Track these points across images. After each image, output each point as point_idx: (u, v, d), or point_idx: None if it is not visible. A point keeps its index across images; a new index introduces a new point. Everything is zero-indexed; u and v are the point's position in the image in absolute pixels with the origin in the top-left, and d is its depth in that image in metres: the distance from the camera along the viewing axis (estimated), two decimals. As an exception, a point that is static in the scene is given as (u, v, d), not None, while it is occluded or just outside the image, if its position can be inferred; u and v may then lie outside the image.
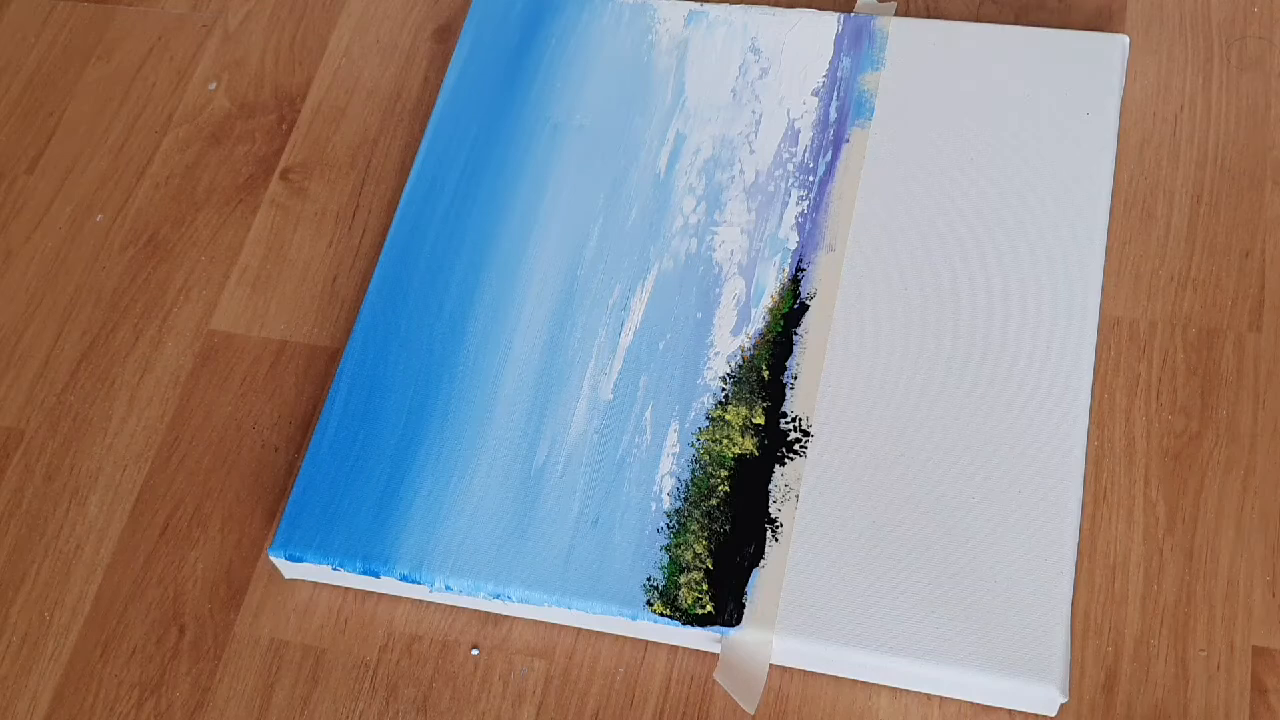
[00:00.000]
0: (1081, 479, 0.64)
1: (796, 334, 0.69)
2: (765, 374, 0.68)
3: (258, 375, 0.75)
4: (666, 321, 0.71)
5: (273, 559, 0.68)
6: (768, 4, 0.81)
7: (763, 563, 0.64)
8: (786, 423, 0.67)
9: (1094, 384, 0.67)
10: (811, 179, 0.74)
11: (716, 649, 0.64)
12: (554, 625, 0.66)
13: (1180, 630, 0.63)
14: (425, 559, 0.66)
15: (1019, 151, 0.73)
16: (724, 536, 0.65)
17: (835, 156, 0.74)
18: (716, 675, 0.62)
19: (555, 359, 0.71)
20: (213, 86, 0.86)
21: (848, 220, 0.72)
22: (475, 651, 0.66)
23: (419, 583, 0.66)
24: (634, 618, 0.64)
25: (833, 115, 0.76)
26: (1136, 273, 0.72)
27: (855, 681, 0.63)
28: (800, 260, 0.71)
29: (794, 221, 0.73)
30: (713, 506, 0.65)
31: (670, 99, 0.78)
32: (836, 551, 0.64)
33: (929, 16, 0.80)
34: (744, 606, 0.63)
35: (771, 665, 0.63)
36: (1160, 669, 0.62)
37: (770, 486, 0.65)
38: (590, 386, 0.70)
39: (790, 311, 0.70)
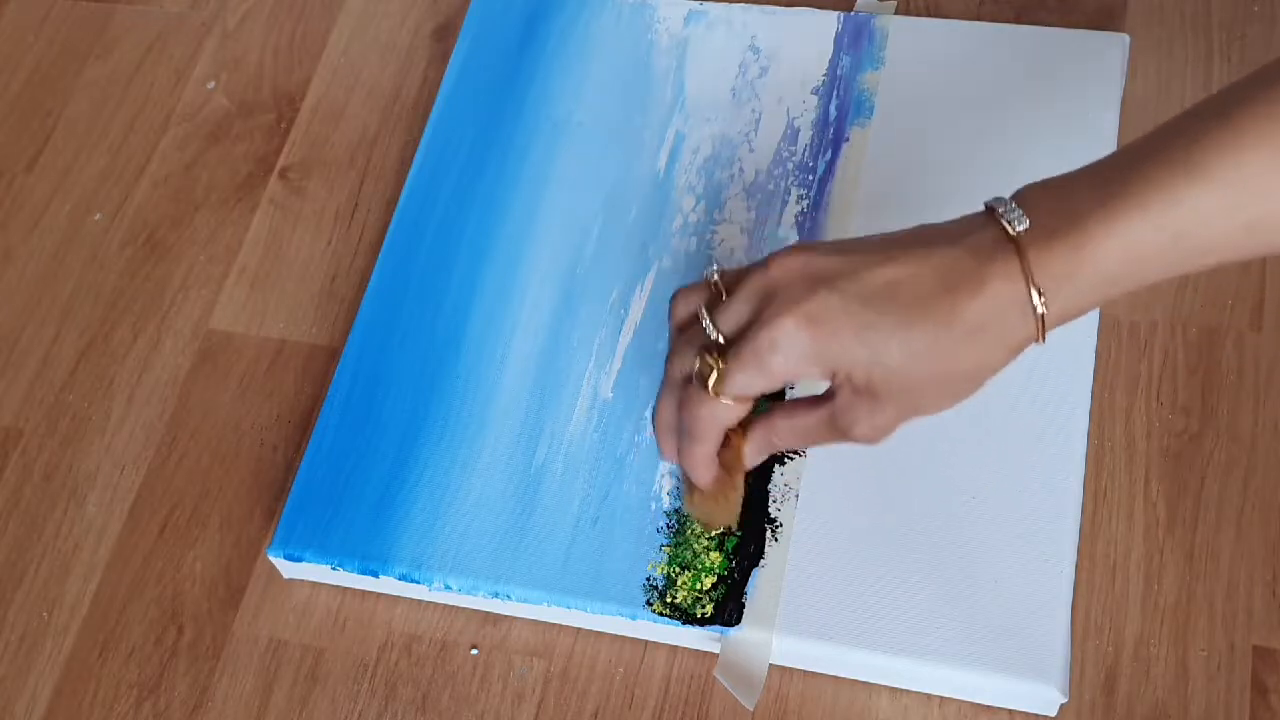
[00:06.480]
0: (1081, 479, 0.64)
1: (796, 333, 0.69)
2: (765, 373, 0.68)
3: (256, 374, 0.75)
4: (666, 320, 0.71)
5: (271, 559, 0.67)
6: (768, 3, 0.81)
7: (763, 562, 0.64)
8: (786, 422, 0.67)
9: (1094, 384, 0.67)
10: (811, 178, 0.74)
11: (716, 649, 0.64)
12: (553, 625, 0.66)
13: (1180, 630, 0.63)
14: (424, 558, 0.66)
15: (1019, 151, 0.72)
16: (724, 536, 0.64)
17: (835, 155, 0.74)
18: (716, 672, 0.62)
19: (555, 358, 0.70)
20: (211, 85, 0.85)
21: (847, 219, 0.72)
22: (475, 651, 0.66)
23: (418, 582, 0.66)
24: (633, 617, 0.63)
25: (832, 114, 0.76)
26: (1136, 272, 0.71)
27: (855, 681, 0.63)
28: (800, 259, 0.71)
29: (794, 220, 0.73)
30: (712, 506, 0.65)
31: (670, 98, 0.78)
32: (836, 551, 0.63)
33: (929, 15, 0.80)
34: (744, 606, 0.63)
35: (771, 665, 0.63)
36: (1160, 669, 0.62)
37: (770, 486, 0.65)
38: (590, 385, 0.69)
39: (790, 311, 0.70)
